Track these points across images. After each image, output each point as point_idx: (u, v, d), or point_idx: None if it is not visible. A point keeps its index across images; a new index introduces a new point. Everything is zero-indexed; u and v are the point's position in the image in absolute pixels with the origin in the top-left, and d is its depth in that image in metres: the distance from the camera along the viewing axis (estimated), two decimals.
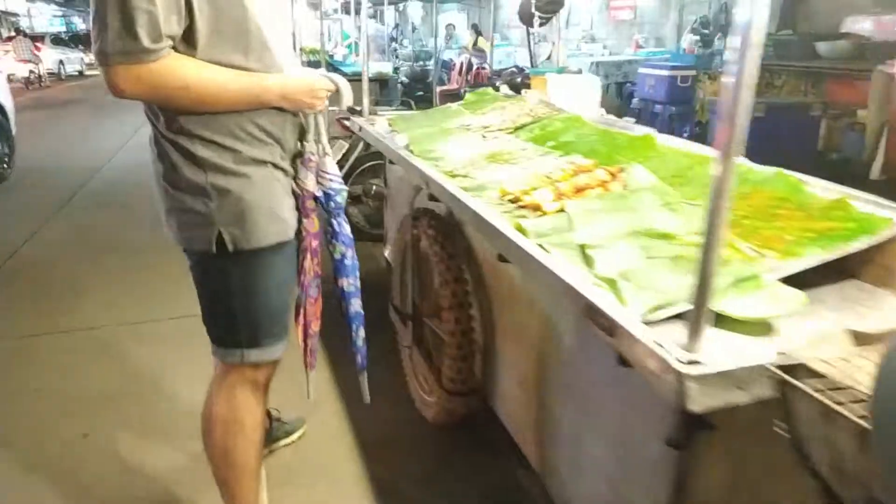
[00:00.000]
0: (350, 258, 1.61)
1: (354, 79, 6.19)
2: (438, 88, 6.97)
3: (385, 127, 2.85)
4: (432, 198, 2.07)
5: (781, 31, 6.84)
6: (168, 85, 1.25)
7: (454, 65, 8.85)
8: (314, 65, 6.04)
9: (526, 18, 3.10)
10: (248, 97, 1.35)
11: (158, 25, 1.20)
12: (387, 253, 3.26)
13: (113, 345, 2.95)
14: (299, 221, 1.49)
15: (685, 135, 6.11)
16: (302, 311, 1.59)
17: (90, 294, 3.55)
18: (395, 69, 8.60)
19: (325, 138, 1.50)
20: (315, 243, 1.53)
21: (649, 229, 1.36)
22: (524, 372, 1.75)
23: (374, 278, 3.84)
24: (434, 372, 2.23)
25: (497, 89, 3.07)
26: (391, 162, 2.48)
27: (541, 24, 3.12)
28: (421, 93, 7.75)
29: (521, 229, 1.41)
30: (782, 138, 5.04)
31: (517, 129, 2.34)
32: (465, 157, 2.13)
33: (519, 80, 3.72)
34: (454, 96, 8.29)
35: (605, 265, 1.22)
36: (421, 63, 9.37)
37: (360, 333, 1.71)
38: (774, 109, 5.11)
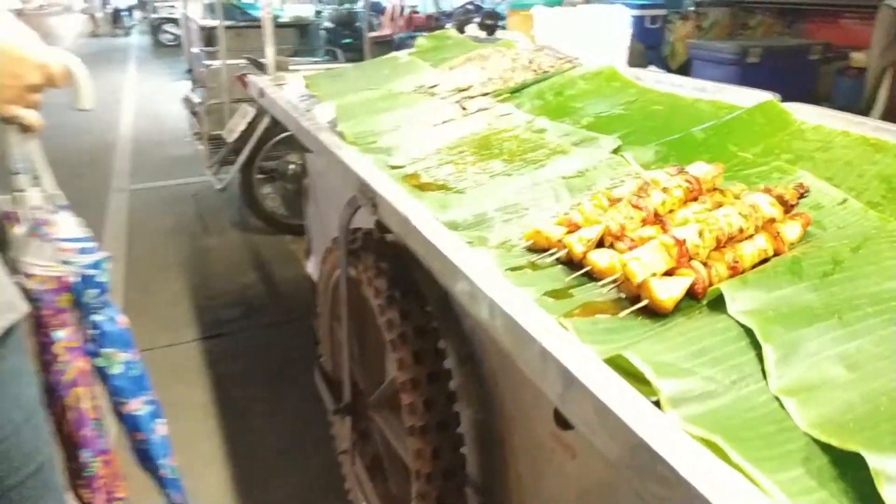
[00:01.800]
0: (135, 365, 0.98)
1: (280, 26, 5.00)
2: (368, 35, 5.90)
3: (301, 90, 1.89)
4: (382, 227, 1.17)
5: None
6: None
7: (385, 8, 7.72)
8: (229, 11, 4.76)
9: None
10: None
11: None
12: (309, 267, 2.34)
13: None
14: (45, 345, 0.85)
15: None
16: (94, 484, 0.93)
17: None
18: (318, 13, 7.38)
19: (47, 175, 0.81)
20: (87, 365, 0.91)
21: None
22: None
23: (295, 290, 2.92)
24: (389, 501, 1.37)
25: (461, 31, 2.13)
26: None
27: None
28: (349, 40, 6.60)
29: (628, 373, 0.54)
30: (777, 86, 4.32)
31: (513, 91, 1.44)
32: (434, 144, 1.22)
33: (478, 20, 2.77)
34: (386, 44, 7.23)
35: None
36: (347, 5, 8.14)
37: (169, 463, 1.06)
38: (771, 54, 4.35)
